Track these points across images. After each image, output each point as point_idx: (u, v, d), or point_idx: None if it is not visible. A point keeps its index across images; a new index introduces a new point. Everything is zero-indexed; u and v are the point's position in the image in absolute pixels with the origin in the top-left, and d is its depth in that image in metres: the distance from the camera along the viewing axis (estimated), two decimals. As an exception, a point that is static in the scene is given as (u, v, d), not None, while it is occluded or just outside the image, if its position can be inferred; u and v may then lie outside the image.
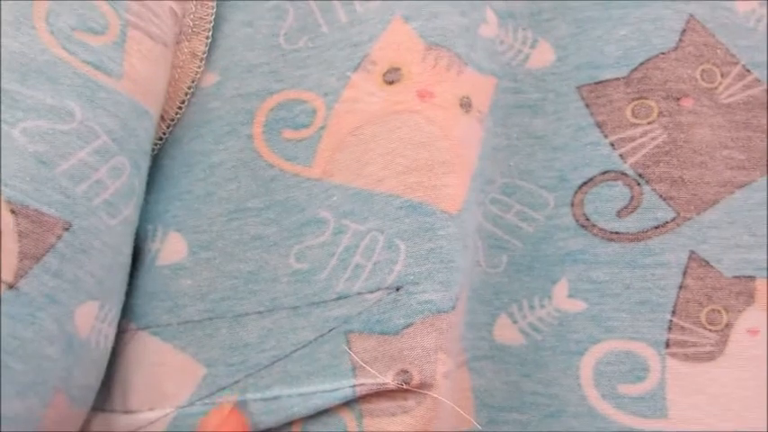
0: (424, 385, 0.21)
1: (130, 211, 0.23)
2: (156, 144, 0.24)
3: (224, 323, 0.23)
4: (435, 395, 0.21)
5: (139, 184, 0.23)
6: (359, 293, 0.22)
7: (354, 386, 0.22)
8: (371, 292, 0.22)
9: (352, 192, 0.22)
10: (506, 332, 0.24)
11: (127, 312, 0.24)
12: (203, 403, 0.23)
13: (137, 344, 0.24)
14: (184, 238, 0.24)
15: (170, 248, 0.24)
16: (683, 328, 0.23)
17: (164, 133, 0.24)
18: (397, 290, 0.22)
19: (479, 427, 0.24)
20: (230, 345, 0.23)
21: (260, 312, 0.23)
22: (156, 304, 0.24)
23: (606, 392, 0.23)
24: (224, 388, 0.23)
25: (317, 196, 0.23)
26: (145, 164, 0.23)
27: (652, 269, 0.23)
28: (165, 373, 0.23)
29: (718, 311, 0.23)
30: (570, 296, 0.23)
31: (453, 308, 0.22)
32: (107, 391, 0.25)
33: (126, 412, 0.24)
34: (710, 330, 0.23)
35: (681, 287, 0.23)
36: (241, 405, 0.22)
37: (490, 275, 0.24)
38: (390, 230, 0.22)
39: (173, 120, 0.24)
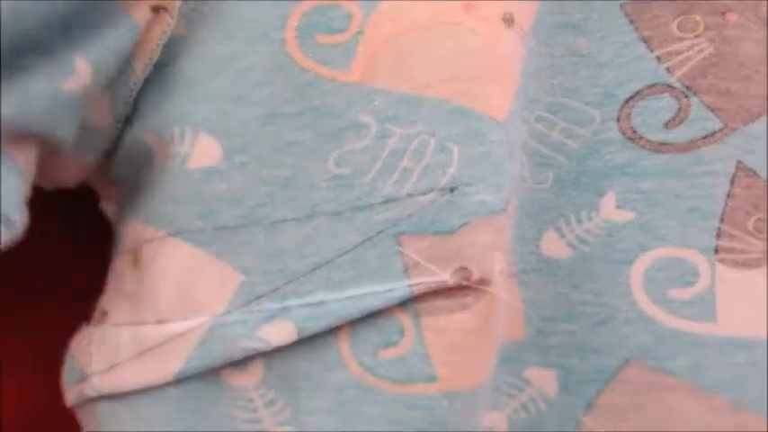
0: (483, 281, 0.22)
1: None
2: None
3: (260, 230, 0.23)
4: (494, 291, 0.22)
5: None
6: (409, 195, 0.22)
7: (411, 285, 0.22)
8: (423, 193, 0.22)
9: (397, 96, 0.23)
10: (554, 246, 0.25)
11: (153, 218, 0.25)
12: (241, 312, 0.23)
13: (167, 251, 0.24)
14: (218, 141, 0.24)
15: (201, 151, 0.24)
16: (731, 235, 0.24)
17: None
18: (452, 191, 0.22)
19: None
20: (268, 252, 0.23)
21: (298, 219, 0.23)
22: (188, 209, 0.24)
23: (657, 297, 0.24)
24: (262, 296, 0.23)
25: (356, 101, 0.23)
26: None
27: (701, 178, 0.24)
28: (198, 281, 0.24)
29: (764, 220, 0.24)
30: (618, 207, 0.24)
31: (505, 210, 0.23)
32: (136, 305, 0.25)
33: (158, 323, 0.24)
34: (757, 238, 0.23)
35: (729, 195, 0.24)
36: (284, 312, 0.23)
37: (536, 191, 0.25)
38: (441, 134, 0.22)
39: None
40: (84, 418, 0.26)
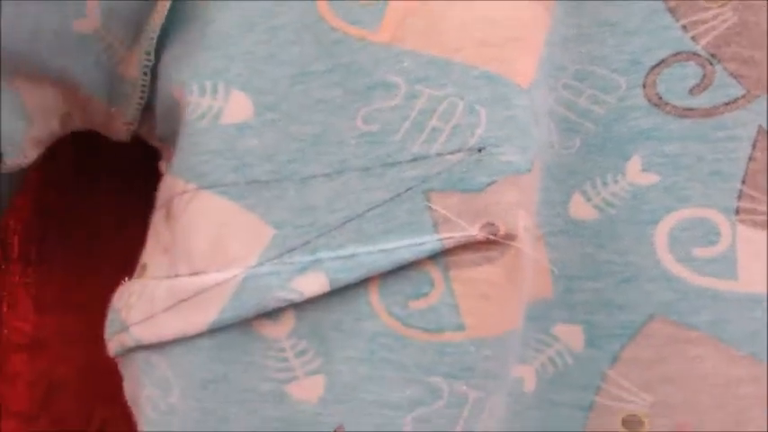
0: (508, 236, 0.23)
1: None
2: None
3: (291, 185, 0.24)
4: (519, 245, 0.23)
5: None
6: (438, 154, 0.23)
7: (441, 239, 0.23)
8: (452, 153, 0.23)
9: (427, 58, 0.24)
10: (580, 208, 0.26)
11: (185, 172, 0.25)
12: (273, 264, 0.24)
13: (200, 204, 0.25)
14: (249, 97, 0.25)
15: (234, 107, 0.25)
16: (751, 197, 0.25)
17: None
18: (480, 151, 0.23)
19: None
20: (299, 207, 0.24)
21: (328, 174, 0.24)
22: (221, 163, 0.25)
23: (681, 256, 0.25)
24: (294, 249, 0.24)
25: (384, 61, 0.24)
26: None
27: (723, 142, 0.25)
28: (231, 234, 0.24)
29: None
30: (643, 170, 0.25)
31: (530, 170, 0.24)
32: (171, 258, 0.26)
33: (192, 274, 0.25)
34: None
35: (750, 159, 0.25)
36: (316, 264, 0.24)
37: (564, 156, 0.26)
38: (470, 97, 0.23)
39: None
40: (125, 368, 0.27)
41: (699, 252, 0.25)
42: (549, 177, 0.26)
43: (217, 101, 0.25)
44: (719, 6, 0.26)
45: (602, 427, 0.26)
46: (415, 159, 0.24)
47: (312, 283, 0.24)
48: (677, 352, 0.25)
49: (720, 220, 0.25)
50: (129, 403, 0.27)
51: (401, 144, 0.24)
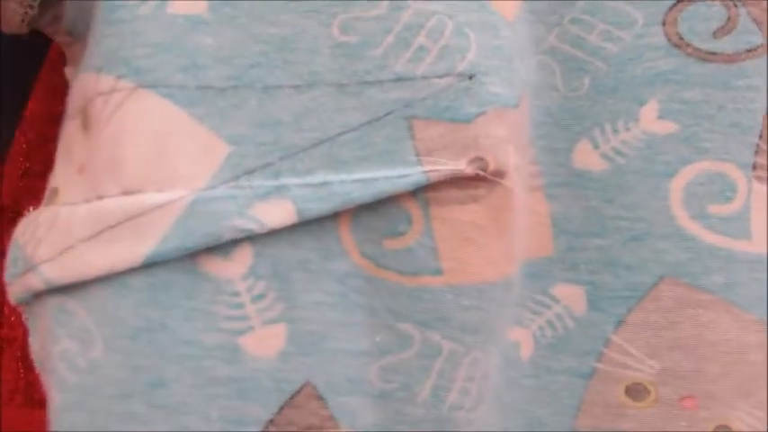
0: (498, 173, 0.21)
1: None
2: None
3: (252, 94, 0.21)
4: (509, 184, 0.21)
5: None
6: (424, 77, 0.21)
7: (426, 172, 0.21)
8: (440, 77, 0.21)
9: None
10: (586, 158, 0.24)
11: (114, 66, 0.21)
12: (228, 186, 0.21)
13: (136, 105, 0.21)
14: None
15: None
16: (766, 152, 0.23)
17: None
18: (470, 78, 0.21)
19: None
20: (260, 121, 0.21)
21: (296, 86, 0.21)
22: (168, 59, 0.21)
23: (696, 213, 0.23)
24: (253, 171, 0.21)
25: None
26: None
27: (743, 92, 0.24)
28: (176, 147, 0.21)
29: None
30: (660, 117, 0.23)
31: (517, 106, 0.22)
32: (92, 176, 0.22)
33: (124, 194, 0.21)
34: None
35: (766, 112, 0.23)
36: (281, 191, 0.21)
37: (569, 99, 0.24)
38: (459, 18, 0.21)
39: None
40: (31, 318, 0.22)
41: (714, 209, 0.23)
42: (551, 123, 0.24)
43: None
44: None
45: (603, 396, 0.23)
46: (397, 80, 0.21)
47: (276, 213, 0.21)
48: (688, 316, 0.23)
49: (738, 176, 0.23)
50: (35, 364, 0.22)
51: (382, 60, 0.21)
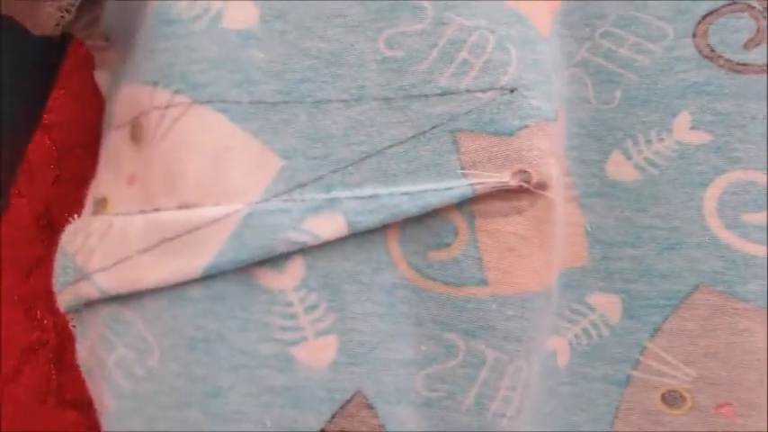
0: (541, 185, 0.22)
1: None
2: None
3: (303, 109, 0.22)
4: (552, 196, 0.22)
5: None
6: (468, 91, 0.22)
7: (473, 185, 0.22)
8: (483, 90, 0.22)
9: None
10: (619, 168, 0.25)
11: (169, 80, 0.22)
12: (281, 200, 0.21)
13: (194, 120, 0.21)
14: (254, 2, 0.22)
15: (237, 10, 0.22)
16: None
17: None
18: (512, 92, 0.22)
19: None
20: (311, 135, 0.22)
21: (345, 101, 0.22)
22: (222, 75, 0.22)
23: (730, 222, 0.24)
24: (306, 184, 0.22)
25: None
26: None
27: None
28: (231, 161, 0.21)
29: None
30: (693, 128, 0.24)
31: (556, 120, 0.23)
32: (146, 188, 0.22)
33: (180, 207, 0.21)
34: None
35: None
36: (333, 204, 0.21)
37: (602, 111, 0.25)
38: (500, 33, 0.22)
39: None
40: (80, 326, 0.22)
41: (748, 218, 0.24)
42: (584, 134, 0.25)
43: (216, 1, 0.22)
44: None
45: (639, 404, 0.24)
46: (442, 94, 0.22)
47: (328, 225, 0.21)
48: (724, 325, 0.24)
49: None
50: (83, 371, 0.22)
51: (427, 75, 0.22)
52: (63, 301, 0.23)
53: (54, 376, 0.32)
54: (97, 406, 0.23)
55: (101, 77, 0.26)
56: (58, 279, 0.23)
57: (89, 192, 0.24)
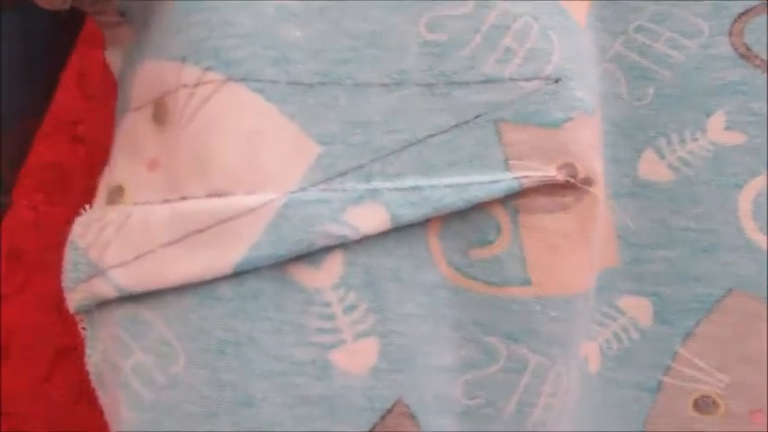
0: (587, 180, 0.21)
1: None
2: None
3: (342, 91, 0.21)
4: (597, 192, 0.21)
5: None
6: (512, 79, 0.21)
7: (519, 178, 0.21)
8: (527, 79, 0.21)
9: None
10: (653, 168, 0.24)
11: (199, 55, 0.20)
12: (320, 189, 0.20)
13: (228, 99, 0.20)
14: None
15: None
16: None
17: None
18: (557, 81, 0.21)
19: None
20: (350, 120, 0.21)
21: (385, 85, 0.21)
22: (258, 51, 0.20)
23: (764, 225, 0.24)
24: (345, 173, 0.20)
25: None
26: None
27: None
28: (267, 146, 0.20)
29: None
30: (728, 128, 0.23)
31: (595, 113, 0.22)
32: (171, 174, 0.21)
33: (210, 195, 0.20)
34: None
35: None
36: (374, 195, 0.20)
37: (634, 108, 0.25)
38: (543, 21, 0.21)
39: None
40: (91, 328, 0.21)
41: None
42: (615, 132, 0.24)
43: None
44: None
45: (671, 411, 0.24)
46: (485, 81, 0.21)
47: (370, 218, 0.20)
48: (758, 329, 0.24)
49: None
50: (92, 378, 0.21)
51: (470, 61, 0.21)
52: (73, 300, 0.21)
53: (87, 377, 0.31)
54: (109, 417, 0.21)
55: (112, 56, 0.24)
56: (69, 276, 0.21)
57: (101, 180, 0.23)
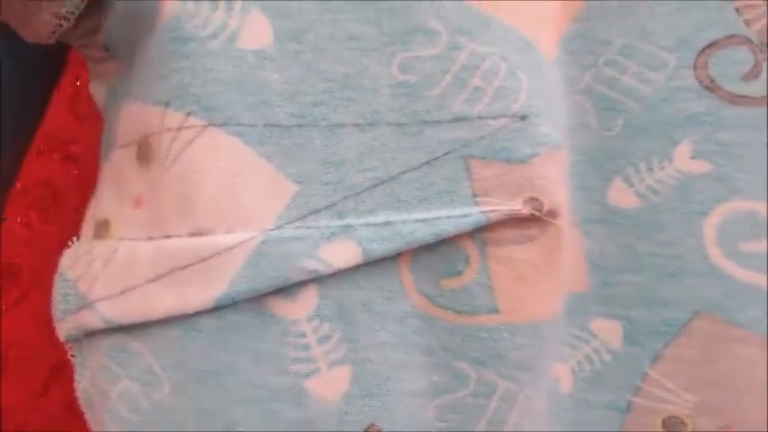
0: (552, 213, 0.23)
1: None
2: None
3: (317, 133, 0.22)
4: (561, 223, 0.23)
5: None
6: (480, 117, 0.22)
7: (486, 212, 0.22)
8: (495, 117, 0.22)
9: (469, 10, 0.23)
10: (621, 195, 0.25)
11: (182, 102, 0.21)
12: (295, 227, 0.21)
13: (208, 144, 0.21)
14: (270, 21, 0.22)
15: (253, 29, 0.22)
16: None
17: None
18: (523, 119, 0.22)
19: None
20: (324, 159, 0.22)
21: (358, 125, 0.22)
22: (238, 97, 0.21)
23: (729, 250, 0.25)
24: (319, 210, 0.22)
25: (425, 3, 0.22)
26: None
27: None
28: (245, 186, 0.21)
29: None
30: (693, 157, 0.24)
31: (562, 147, 0.23)
32: (152, 214, 0.22)
33: (192, 235, 0.21)
34: None
35: None
36: (347, 231, 0.22)
37: (604, 138, 0.26)
38: (512, 60, 0.23)
39: None
40: (80, 356, 0.22)
41: (746, 246, 0.25)
42: (585, 161, 0.25)
43: (233, 19, 0.22)
44: None
45: (640, 429, 0.25)
46: (455, 120, 0.22)
47: (342, 253, 0.22)
48: (723, 352, 0.25)
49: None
50: (82, 402, 0.22)
51: (440, 100, 0.22)
52: (63, 329, 0.23)
53: None
54: None
55: (96, 89, 0.26)
56: (58, 307, 0.23)
57: (88, 212, 0.24)
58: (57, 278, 0.23)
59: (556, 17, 0.24)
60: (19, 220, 0.37)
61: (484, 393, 0.22)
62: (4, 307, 0.36)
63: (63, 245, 0.29)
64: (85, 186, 0.35)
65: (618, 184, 0.25)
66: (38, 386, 0.36)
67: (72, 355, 0.23)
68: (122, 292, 0.21)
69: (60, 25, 0.23)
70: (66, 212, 0.37)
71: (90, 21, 0.24)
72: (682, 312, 0.24)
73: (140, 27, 0.23)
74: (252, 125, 0.21)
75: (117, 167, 0.24)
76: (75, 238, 0.23)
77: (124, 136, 0.24)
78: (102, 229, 0.23)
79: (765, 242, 0.25)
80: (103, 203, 0.24)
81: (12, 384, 0.37)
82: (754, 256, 0.24)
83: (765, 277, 0.24)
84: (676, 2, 0.25)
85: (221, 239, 0.21)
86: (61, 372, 0.36)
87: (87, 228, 0.24)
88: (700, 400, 0.24)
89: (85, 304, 0.22)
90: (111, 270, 0.22)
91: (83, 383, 0.23)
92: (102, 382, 0.22)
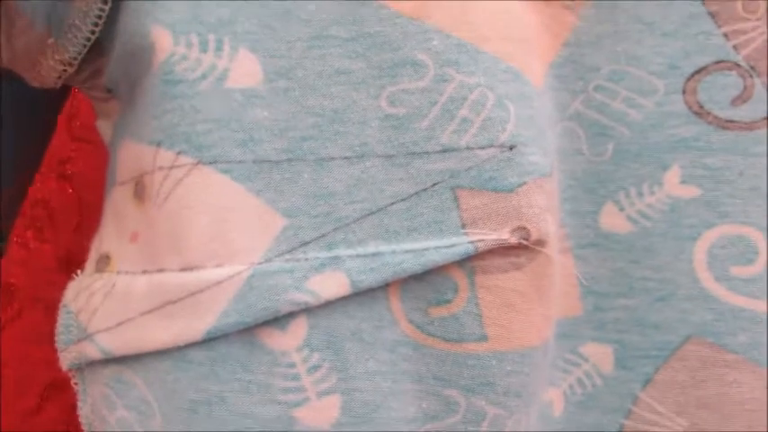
0: (539, 242, 0.23)
1: None
2: None
3: (306, 167, 0.23)
4: (549, 252, 0.23)
5: None
6: (468, 148, 0.23)
7: (474, 242, 0.23)
8: (482, 147, 0.23)
9: (456, 42, 0.23)
10: (613, 220, 0.26)
11: (172, 141, 0.22)
12: (284, 259, 0.22)
13: (197, 182, 0.22)
14: (259, 60, 0.22)
15: (242, 69, 0.22)
16: None
17: None
18: (511, 149, 0.23)
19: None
20: (314, 193, 0.23)
21: (347, 158, 0.23)
22: (226, 135, 0.22)
23: (719, 275, 0.25)
24: (308, 243, 0.22)
25: (413, 36, 0.23)
26: None
27: (761, 158, 0.25)
28: (235, 222, 0.22)
29: None
30: (683, 182, 0.25)
31: (551, 175, 0.24)
32: (150, 248, 0.23)
33: (183, 270, 0.22)
34: None
35: None
36: (335, 262, 0.22)
37: (595, 164, 0.26)
38: (499, 90, 0.23)
39: None
40: (82, 384, 0.23)
41: (736, 271, 0.25)
42: (577, 186, 0.26)
43: (222, 60, 0.22)
44: (756, 19, 0.26)
45: None
46: (443, 151, 0.23)
47: (330, 284, 0.22)
48: (714, 376, 0.25)
49: (758, 238, 0.25)
50: (84, 428, 0.22)
51: (428, 132, 0.23)
52: (66, 359, 0.23)
53: (76, 413, 0.33)
54: None
55: (102, 128, 0.27)
56: (61, 338, 0.23)
57: (92, 245, 0.24)
58: (60, 310, 0.24)
59: (544, 44, 0.25)
60: (15, 239, 0.37)
61: (473, 420, 0.23)
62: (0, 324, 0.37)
63: (58, 264, 0.30)
64: (81, 205, 0.35)
65: (609, 208, 0.26)
66: (32, 405, 0.36)
67: (75, 383, 0.23)
68: (119, 325, 0.22)
69: (65, 70, 0.24)
70: (61, 232, 0.37)
71: (92, 64, 0.25)
72: (673, 336, 0.25)
73: (138, 68, 0.23)
74: (241, 162, 0.22)
75: (117, 204, 0.25)
76: (79, 271, 0.24)
77: (123, 174, 0.24)
78: (103, 263, 0.24)
79: (756, 267, 0.25)
80: (105, 238, 0.25)
81: (6, 404, 0.37)
82: (743, 281, 0.25)
83: (755, 301, 0.25)
84: (665, 27, 0.26)
85: (210, 274, 0.21)
86: (56, 391, 0.36)
87: (90, 261, 0.25)
88: (691, 423, 0.25)
89: (85, 336, 0.23)
90: (109, 303, 0.23)
91: (84, 410, 0.24)
92: (102, 410, 0.23)
